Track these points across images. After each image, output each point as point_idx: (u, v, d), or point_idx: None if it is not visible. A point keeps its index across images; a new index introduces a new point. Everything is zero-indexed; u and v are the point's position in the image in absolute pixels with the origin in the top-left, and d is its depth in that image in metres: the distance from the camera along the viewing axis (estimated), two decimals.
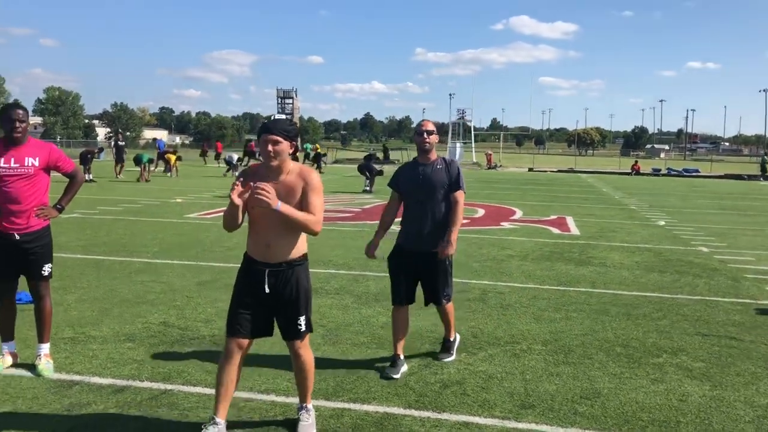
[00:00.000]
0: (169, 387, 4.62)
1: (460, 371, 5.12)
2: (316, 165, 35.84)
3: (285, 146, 3.65)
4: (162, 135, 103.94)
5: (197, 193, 20.70)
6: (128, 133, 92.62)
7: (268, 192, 3.49)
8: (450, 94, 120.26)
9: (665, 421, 4.28)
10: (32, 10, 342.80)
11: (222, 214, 3.87)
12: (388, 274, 5.22)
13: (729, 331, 6.40)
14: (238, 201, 3.59)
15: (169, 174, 28.78)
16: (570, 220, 15.73)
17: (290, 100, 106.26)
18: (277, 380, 4.80)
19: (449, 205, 5.00)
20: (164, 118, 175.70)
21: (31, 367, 4.89)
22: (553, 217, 16.48)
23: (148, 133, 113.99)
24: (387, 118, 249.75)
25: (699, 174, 47.65)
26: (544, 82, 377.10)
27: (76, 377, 4.77)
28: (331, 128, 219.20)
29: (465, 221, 15.06)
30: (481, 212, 16.90)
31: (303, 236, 3.82)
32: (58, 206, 4.90)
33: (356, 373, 5.04)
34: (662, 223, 15.89)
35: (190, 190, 21.43)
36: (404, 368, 5.02)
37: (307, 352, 3.96)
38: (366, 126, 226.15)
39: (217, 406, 3.80)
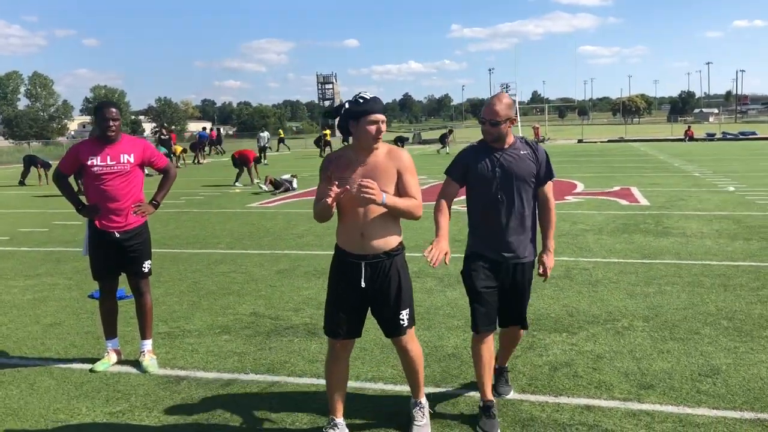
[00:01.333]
0: (276, 379, 4.58)
1: (566, 352, 4.96)
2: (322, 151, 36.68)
3: (385, 124, 3.45)
4: (206, 127, 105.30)
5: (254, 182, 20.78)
6: (173, 127, 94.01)
7: (372, 188, 3.26)
8: (489, 69, 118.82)
9: None
10: (72, 10, 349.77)
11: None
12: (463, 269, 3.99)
13: None
14: (333, 204, 3.35)
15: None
16: (635, 191, 15.32)
17: (330, 85, 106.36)
18: (382, 368, 4.73)
19: (532, 201, 3.89)
20: (207, 110, 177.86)
21: (135, 364, 4.91)
22: (616, 188, 16.07)
23: (193, 126, 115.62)
24: (426, 98, 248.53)
25: (757, 136, 46.01)
26: (584, 51, 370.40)
27: (182, 372, 4.77)
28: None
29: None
30: None
31: (399, 223, 3.58)
32: (153, 202, 4.89)
33: (459, 357, 4.94)
34: (732, 188, 15.36)
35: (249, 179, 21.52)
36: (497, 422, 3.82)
37: (414, 345, 3.71)
38: (405, 106, 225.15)
39: (333, 406, 3.70)
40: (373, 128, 3.38)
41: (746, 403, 4.01)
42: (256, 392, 4.37)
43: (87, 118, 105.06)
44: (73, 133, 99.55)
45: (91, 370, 4.81)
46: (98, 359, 4.96)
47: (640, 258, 8.08)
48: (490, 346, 3.84)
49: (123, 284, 5.24)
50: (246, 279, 7.52)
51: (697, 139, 44.82)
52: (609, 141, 47.56)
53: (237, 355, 5.07)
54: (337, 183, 3.33)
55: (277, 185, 17.35)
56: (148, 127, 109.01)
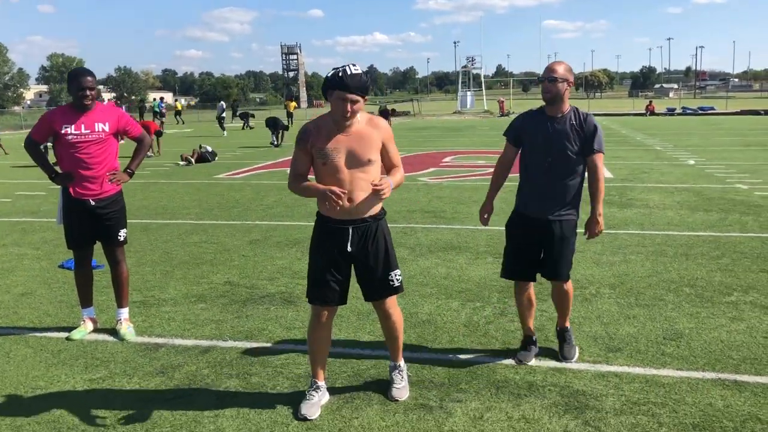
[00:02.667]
0: (254, 345, 4.64)
1: (537, 318, 5.08)
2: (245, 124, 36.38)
3: (361, 104, 3.36)
4: (167, 97, 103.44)
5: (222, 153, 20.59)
6: (133, 97, 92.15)
7: (385, 188, 3.35)
8: (454, 42, 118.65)
9: (756, 359, 4.26)
10: None
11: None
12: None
13: None
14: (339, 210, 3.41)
15: None
16: None
17: (294, 56, 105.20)
18: (359, 334, 4.82)
19: (579, 169, 4.10)
20: (168, 80, 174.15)
21: (112, 332, 4.92)
22: None
23: (153, 96, 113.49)
24: (391, 70, 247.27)
25: (715, 111, 47.02)
26: (548, 25, 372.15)
27: (159, 340, 4.79)
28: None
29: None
30: None
31: None
32: (128, 170, 4.87)
33: (433, 324, 5.05)
34: (692, 162, 15.74)
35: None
36: (536, 350, 4.39)
37: (396, 310, 3.78)
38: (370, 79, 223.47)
39: (315, 369, 3.77)
40: (340, 106, 3.32)
41: (708, 364, 4.20)
42: (235, 358, 4.43)
43: (43, 87, 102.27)
44: (29, 102, 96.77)
45: (67, 338, 4.80)
46: (73, 328, 4.95)
47: (605, 228, 8.25)
48: (526, 291, 4.37)
49: (94, 254, 5.22)
50: (218, 249, 7.53)
51: (657, 114, 45.61)
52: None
53: (214, 323, 5.11)
54: (340, 198, 3.33)
55: (190, 158, 17.78)
56: (107, 97, 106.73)
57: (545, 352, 4.44)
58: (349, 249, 3.55)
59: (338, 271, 3.59)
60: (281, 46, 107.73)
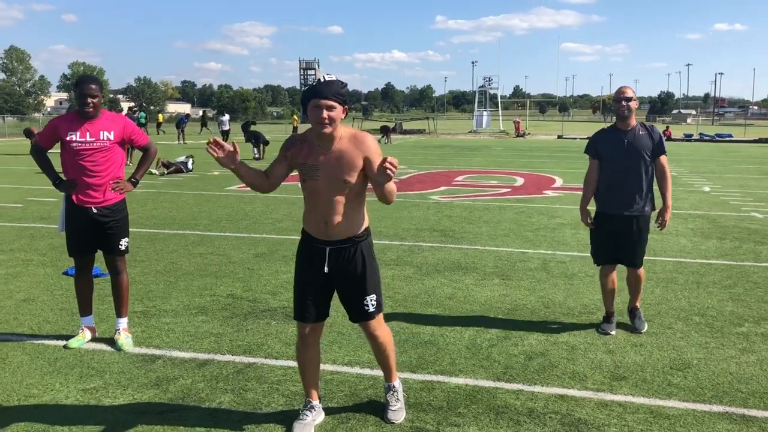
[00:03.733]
0: (252, 360, 4.57)
1: (541, 342, 5.01)
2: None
3: (339, 111, 3.24)
4: (185, 108, 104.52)
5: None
6: (152, 107, 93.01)
7: (396, 170, 3.20)
8: (472, 62, 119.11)
9: (766, 393, 4.13)
10: None
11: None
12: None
13: None
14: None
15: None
16: None
17: (312, 71, 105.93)
18: (359, 352, 4.73)
19: (650, 170, 5.08)
20: (186, 92, 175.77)
21: (110, 342, 4.87)
22: None
23: (172, 107, 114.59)
24: (408, 88, 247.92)
25: (732, 139, 46.65)
26: (567, 47, 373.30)
27: (157, 351, 4.74)
28: (353, 99, 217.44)
29: (506, 190, 14.89)
30: (521, 181, 16.66)
31: (363, 210, 3.54)
32: (132, 180, 4.84)
33: (435, 344, 4.96)
34: (707, 189, 15.56)
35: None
36: (614, 326, 5.29)
37: (382, 330, 3.67)
38: (387, 96, 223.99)
39: (307, 388, 3.71)
40: (315, 113, 3.22)
41: (715, 397, 4.08)
42: (231, 373, 4.36)
43: (64, 95, 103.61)
44: (49, 109, 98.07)
45: (65, 347, 4.76)
46: (72, 336, 4.91)
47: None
48: (608, 274, 5.31)
49: (99, 262, 5.20)
50: (223, 261, 7.48)
51: (674, 139, 45.27)
52: (588, 138, 47.84)
53: (213, 336, 5.05)
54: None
55: (168, 166, 17.79)
56: (126, 106, 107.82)
57: (548, 379, 4.34)
58: (325, 270, 3.49)
59: (318, 289, 3.54)
60: (299, 61, 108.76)
